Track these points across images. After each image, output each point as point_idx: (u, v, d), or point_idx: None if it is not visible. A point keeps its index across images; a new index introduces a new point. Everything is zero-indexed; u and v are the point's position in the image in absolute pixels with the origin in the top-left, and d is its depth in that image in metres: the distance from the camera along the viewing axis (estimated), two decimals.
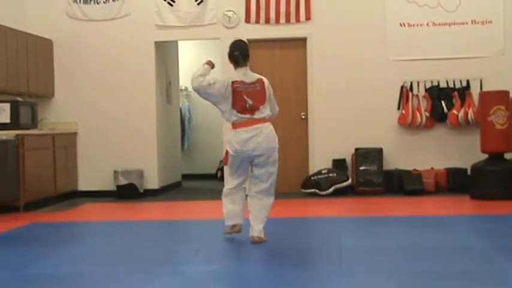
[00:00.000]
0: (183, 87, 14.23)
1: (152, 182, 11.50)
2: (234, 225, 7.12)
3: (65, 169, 11.02)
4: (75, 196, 11.30)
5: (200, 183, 13.50)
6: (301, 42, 11.31)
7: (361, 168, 10.73)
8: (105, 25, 11.53)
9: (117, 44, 11.52)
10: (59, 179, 10.79)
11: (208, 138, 14.40)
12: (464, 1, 10.95)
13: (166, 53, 12.31)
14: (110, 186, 11.29)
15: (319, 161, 11.06)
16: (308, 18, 11.20)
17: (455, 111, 10.79)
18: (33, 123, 10.59)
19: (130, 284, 5.46)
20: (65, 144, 11.12)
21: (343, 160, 11.00)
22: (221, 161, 12.73)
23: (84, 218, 9.49)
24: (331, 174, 10.70)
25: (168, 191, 11.98)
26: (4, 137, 9.49)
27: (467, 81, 10.88)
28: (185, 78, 14.06)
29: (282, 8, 11.18)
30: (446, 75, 10.93)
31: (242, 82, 6.92)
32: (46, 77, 11.34)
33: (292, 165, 11.18)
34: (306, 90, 11.30)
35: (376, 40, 11.09)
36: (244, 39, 7.50)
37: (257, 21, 11.29)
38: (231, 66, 10.09)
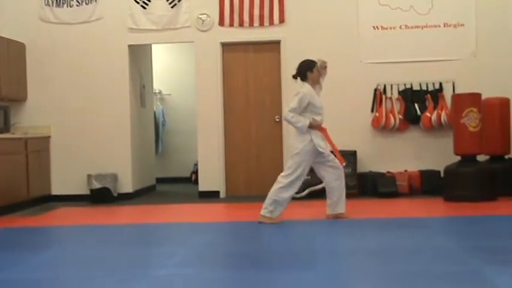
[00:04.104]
0: (157, 91, 14.20)
1: (126, 185, 11.45)
2: None
3: (38, 173, 10.95)
4: (48, 200, 11.23)
5: (174, 186, 13.48)
6: (275, 45, 11.33)
7: None
8: (78, 28, 11.48)
9: (90, 47, 11.46)
10: (32, 183, 10.71)
11: (182, 141, 14.39)
12: (436, 4, 11.03)
13: (140, 56, 12.27)
14: (84, 190, 11.23)
15: None
16: (282, 21, 11.22)
17: (428, 114, 10.86)
18: (6, 127, 10.51)
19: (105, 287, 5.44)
20: (38, 148, 11.04)
21: None
22: (195, 164, 12.71)
23: (58, 223, 9.41)
24: (305, 177, 10.69)
25: (142, 195, 11.94)
26: None
27: (440, 84, 10.96)
28: (159, 82, 14.08)
29: (256, 11, 11.20)
30: (419, 78, 11.00)
31: None
32: (18, 80, 11.26)
33: (267, 168, 11.20)
34: (280, 93, 11.32)
35: (350, 43, 11.13)
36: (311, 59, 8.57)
37: (231, 25, 11.29)
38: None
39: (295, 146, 8.30)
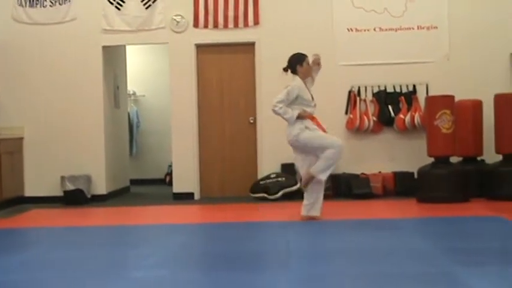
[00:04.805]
0: (131, 92, 14.14)
1: (100, 187, 11.39)
2: None
3: (11, 175, 10.85)
4: (21, 202, 11.13)
5: (149, 188, 13.42)
6: (250, 46, 11.33)
7: None
8: (52, 29, 11.39)
9: (64, 48, 11.38)
10: (5, 185, 10.61)
11: (157, 143, 14.34)
12: (410, 7, 11.09)
13: (114, 57, 12.21)
14: (57, 191, 11.14)
15: (267, 165, 11.08)
16: (256, 23, 11.23)
17: (402, 116, 10.92)
18: None
19: None
20: (11, 149, 10.95)
21: (292, 164, 11.00)
22: (170, 166, 12.68)
23: (31, 225, 9.35)
24: (279, 179, 10.73)
25: (116, 197, 11.88)
26: None
27: (414, 86, 11.02)
28: (133, 83, 14.02)
29: (230, 13, 11.19)
30: (393, 80, 11.06)
31: None
32: None
33: (241, 169, 11.21)
34: (254, 94, 11.33)
35: (325, 45, 11.13)
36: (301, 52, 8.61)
37: (205, 26, 11.28)
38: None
39: (293, 133, 8.32)
